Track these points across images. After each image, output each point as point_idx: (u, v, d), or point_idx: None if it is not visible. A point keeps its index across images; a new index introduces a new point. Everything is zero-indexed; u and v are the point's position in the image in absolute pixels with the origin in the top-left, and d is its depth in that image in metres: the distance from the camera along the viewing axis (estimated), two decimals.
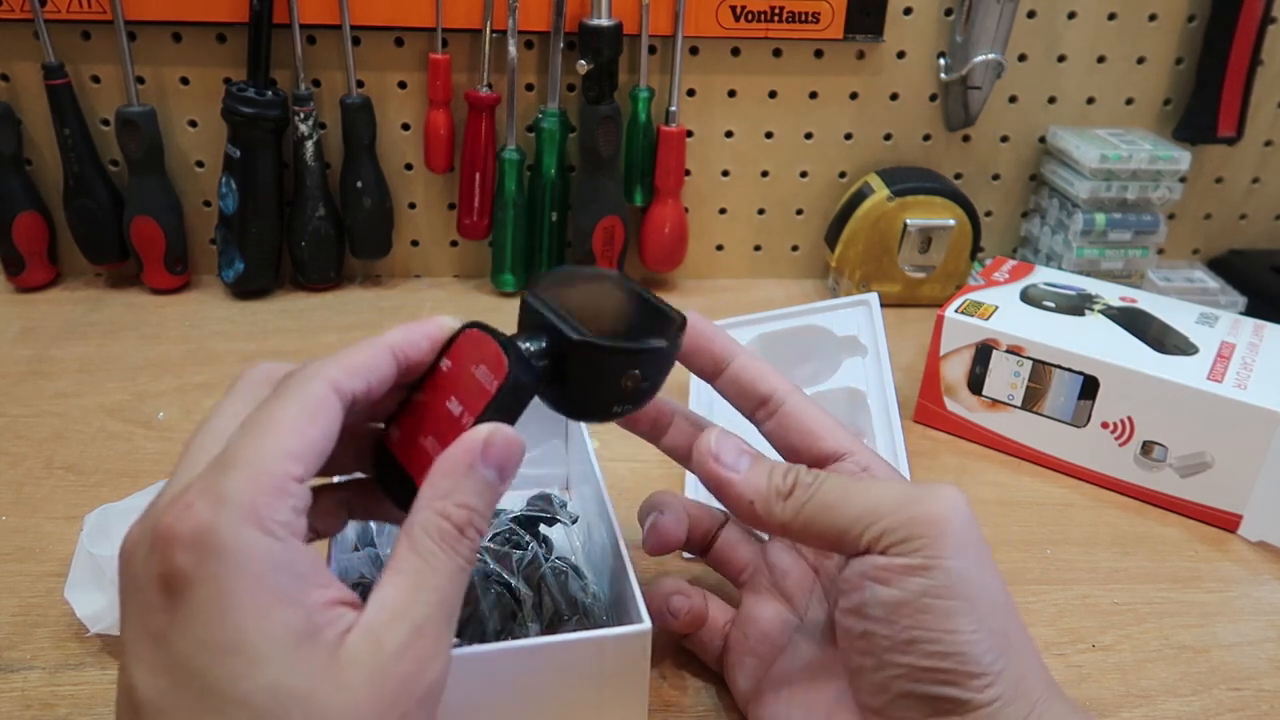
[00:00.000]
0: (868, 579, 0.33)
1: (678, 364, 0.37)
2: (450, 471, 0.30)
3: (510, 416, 0.32)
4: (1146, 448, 0.56)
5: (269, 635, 0.26)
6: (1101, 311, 0.61)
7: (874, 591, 0.32)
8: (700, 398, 0.60)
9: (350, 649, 0.27)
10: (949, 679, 0.31)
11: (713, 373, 0.40)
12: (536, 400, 0.34)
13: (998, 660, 0.31)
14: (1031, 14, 0.77)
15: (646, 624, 0.36)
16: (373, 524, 0.43)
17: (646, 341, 0.34)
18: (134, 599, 0.28)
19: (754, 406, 0.39)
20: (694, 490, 0.54)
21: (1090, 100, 0.81)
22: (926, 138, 0.81)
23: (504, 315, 0.77)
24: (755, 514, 0.36)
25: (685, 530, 0.42)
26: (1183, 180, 0.76)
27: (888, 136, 0.81)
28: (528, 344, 0.33)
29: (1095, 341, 0.57)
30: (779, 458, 0.39)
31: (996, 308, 0.61)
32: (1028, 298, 0.63)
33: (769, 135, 0.80)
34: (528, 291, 0.35)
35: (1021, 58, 0.79)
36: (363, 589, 0.40)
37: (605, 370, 0.34)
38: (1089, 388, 0.56)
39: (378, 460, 0.34)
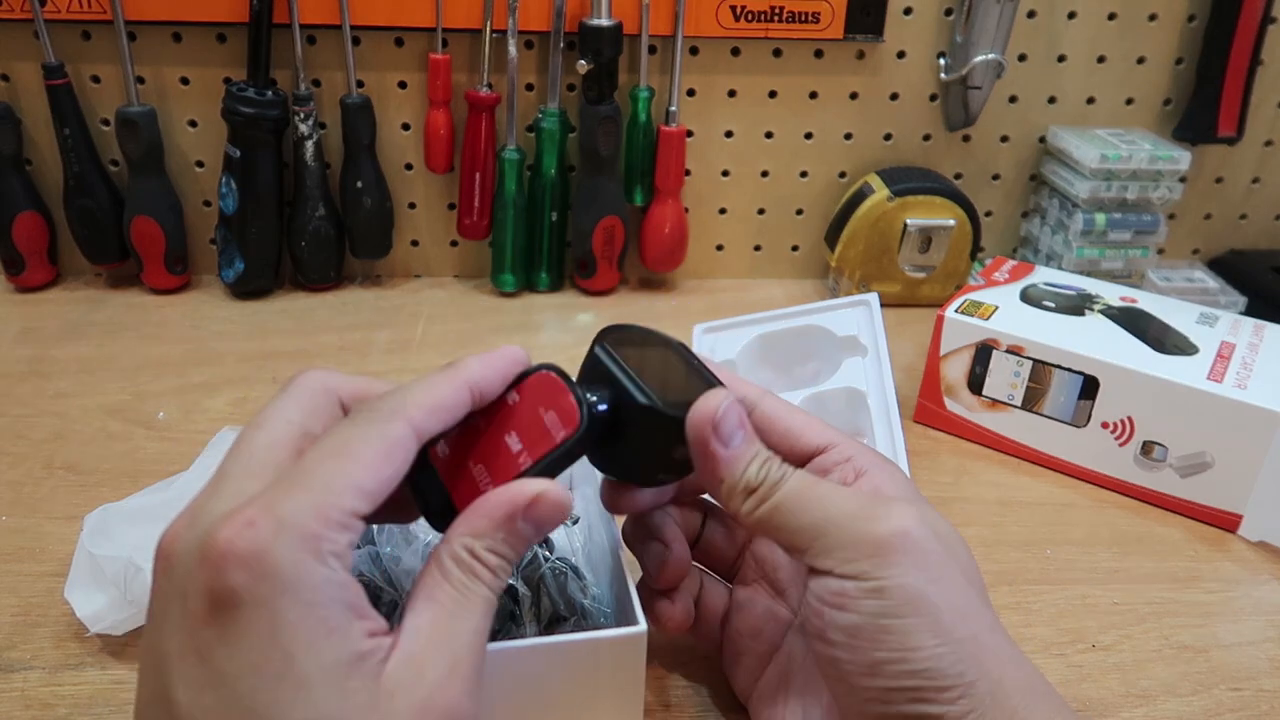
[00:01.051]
0: (825, 604, 0.32)
1: None
2: (492, 515, 0.31)
3: (563, 467, 0.33)
4: (1146, 448, 0.56)
5: (319, 665, 0.27)
6: (1101, 311, 0.61)
7: (832, 617, 0.32)
8: None
9: (392, 678, 0.28)
10: (919, 696, 0.31)
11: None
12: None
13: (967, 670, 0.31)
14: (1031, 14, 0.77)
15: (642, 626, 0.36)
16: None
17: None
18: (175, 606, 0.28)
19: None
20: None
21: (1090, 100, 0.81)
22: (926, 138, 0.81)
23: (504, 315, 0.77)
24: (720, 496, 0.35)
25: (688, 554, 0.41)
26: (1183, 180, 0.76)
27: (888, 136, 0.81)
28: (594, 397, 0.34)
29: (1095, 341, 0.57)
30: None
31: (996, 308, 0.61)
32: (1028, 298, 0.63)
33: (769, 135, 0.80)
34: (598, 344, 0.36)
35: (1021, 58, 0.79)
36: (364, 586, 0.40)
37: (662, 438, 0.35)
38: (1089, 388, 0.56)
39: (417, 464, 0.34)
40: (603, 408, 0.34)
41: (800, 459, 0.37)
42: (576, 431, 0.32)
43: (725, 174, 0.81)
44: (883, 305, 0.61)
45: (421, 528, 0.44)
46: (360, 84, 0.74)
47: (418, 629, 0.29)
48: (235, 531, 0.27)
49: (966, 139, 0.82)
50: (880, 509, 0.33)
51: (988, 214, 0.85)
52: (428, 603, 0.30)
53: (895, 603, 0.31)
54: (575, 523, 0.46)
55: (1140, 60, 0.80)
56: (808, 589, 0.33)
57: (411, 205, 0.80)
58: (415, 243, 0.82)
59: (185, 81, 0.74)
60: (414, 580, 0.31)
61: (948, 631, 0.31)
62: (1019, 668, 0.32)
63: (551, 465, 0.33)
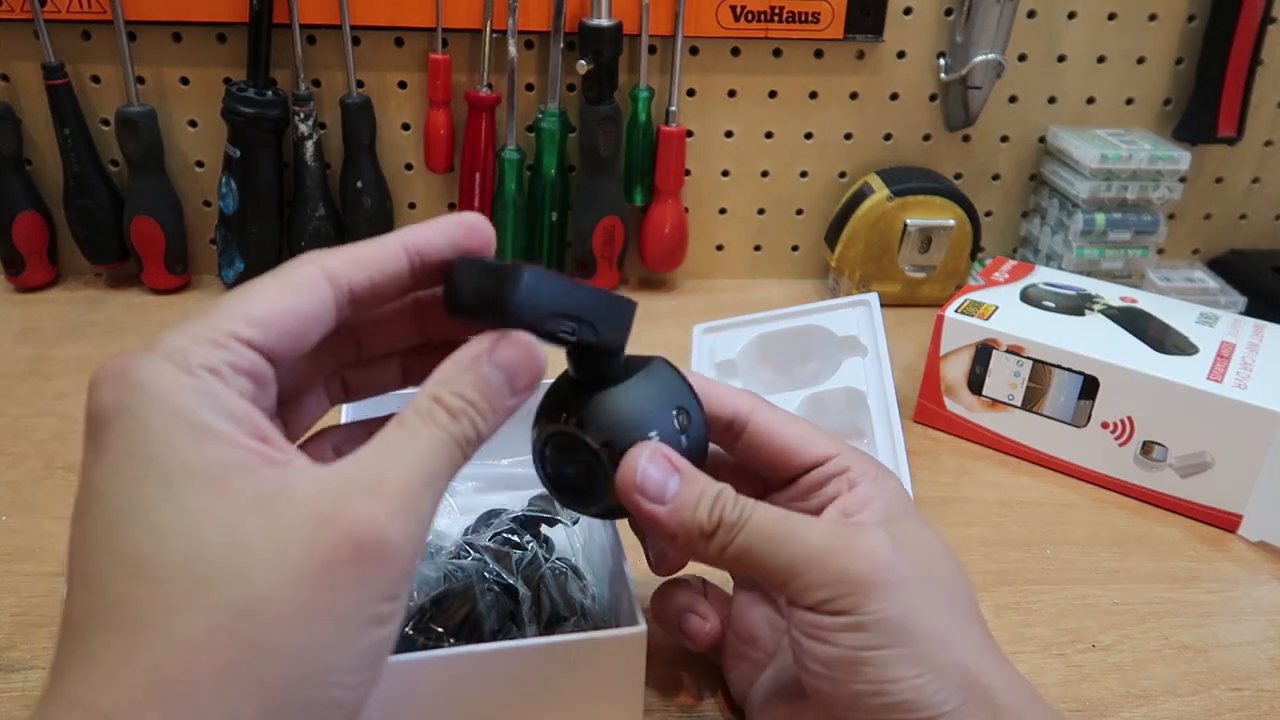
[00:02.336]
0: (804, 636, 0.32)
1: None
2: (455, 363, 0.29)
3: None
4: (1146, 448, 0.56)
5: (184, 464, 0.25)
6: (1101, 311, 0.61)
7: (811, 648, 0.32)
8: None
9: (292, 487, 0.25)
10: None
11: None
12: None
13: (950, 698, 0.30)
14: (1031, 14, 0.77)
15: (642, 626, 0.36)
16: None
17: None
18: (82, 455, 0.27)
19: (719, 433, 0.37)
20: None
21: (1090, 100, 0.81)
22: (926, 138, 0.81)
23: None
24: (679, 548, 0.33)
25: (718, 620, 0.40)
26: (1183, 180, 0.76)
27: (888, 136, 0.81)
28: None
29: (1095, 341, 0.57)
30: None
31: (996, 308, 0.61)
32: (1028, 298, 0.63)
33: (769, 135, 0.80)
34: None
35: (1021, 58, 0.79)
36: None
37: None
38: (1089, 388, 0.56)
39: (467, 265, 0.32)
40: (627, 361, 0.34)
41: (797, 472, 0.37)
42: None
43: (725, 174, 0.81)
44: (883, 305, 0.61)
45: None
46: (360, 84, 0.74)
47: (345, 459, 0.27)
48: (110, 359, 0.27)
49: (966, 139, 0.82)
50: (853, 540, 0.32)
51: (988, 214, 0.85)
52: (373, 440, 0.27)
53: (873, 635, 0.30)
54: (575, 523, 0.46)
55: (1140, 60, 0.80)
56: (788, 618, 0.33)
57: (411, 205, 0.80)
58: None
59: (185, 81, 0.74)
60: None
61: (928, 660, 0.30)
62: (1012, 689, 0.31)
63: (578, 295, 0.31)
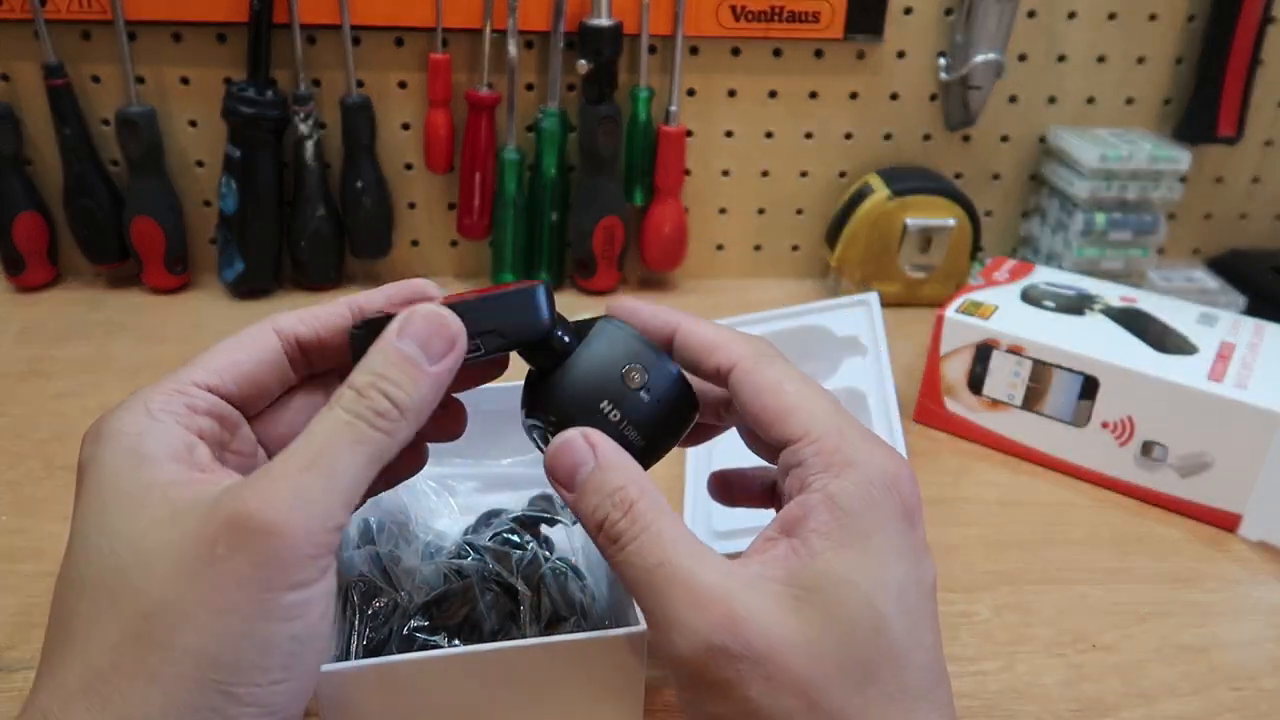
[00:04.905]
0: (679, 701, 0.31)
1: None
2: (378, 346, 0.30)
3: (489, 328, 0.32)
4: (1147, 448, 0.56)
5: (118, 490, 0.28)
6: (1101, 311, 0.61)
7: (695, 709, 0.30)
8: (698, 452, 0.57)
9: (202, 497, 0.28)
10: None
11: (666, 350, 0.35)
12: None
13: None
14: (1031, 14, 0.77)
15: (643, 626, 0.36)
16: (373, 522, 0.43)
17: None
18: None
19: (714, 380, 0.34)
20: (693, 492, 0.54)
21: (1090, 100, 0.81)
22: (926, 138, 0.81)
23: None
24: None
25: None
26: (1183, 180, 0.76)
27: (888, 136, 0.81)
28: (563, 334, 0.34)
29: (1095, 341, 0.57)
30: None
31: (996, 307, 0.61)
32: (1028, 297, 0.63)
33: (769, 135, 0.80)
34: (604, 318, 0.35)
35: (1021, 58, 0.79)
36: (363, 585, 0.40)
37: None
38: (1089, 388, 0.56)
39: (363, 326, 0.34)
40: (565, 338, 0.33)
41: (775, 446, 0.33)
42: (528, 313, 0.32)
43: (725, 174, 0.81)
44: (883, 305, 0.61)
45: (421, 527, 0.44)
46: (360, 84, 0.74)
47: (272, 460, 0.28)
48: (96, 418, 0.31)
49: (966, 139, 0.82)
50: (717, 603, 0.28)
51: (988, 214, 0.84)
52: (299, 438, 0.28)
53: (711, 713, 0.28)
54: (576, 522, 0.46)
55: (1140, 60, 0.80)
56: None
57: (411, 205, 0.80)
58: (415, 243, 0.82)
59: (185, 81, 0.74)
60: None
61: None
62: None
63: (475, 309, 0.31)
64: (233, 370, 0.32)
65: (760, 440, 0.34)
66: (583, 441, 0.32)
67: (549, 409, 0.34)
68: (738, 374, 0.33)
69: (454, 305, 0.31)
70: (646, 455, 0.34)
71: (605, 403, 0.33)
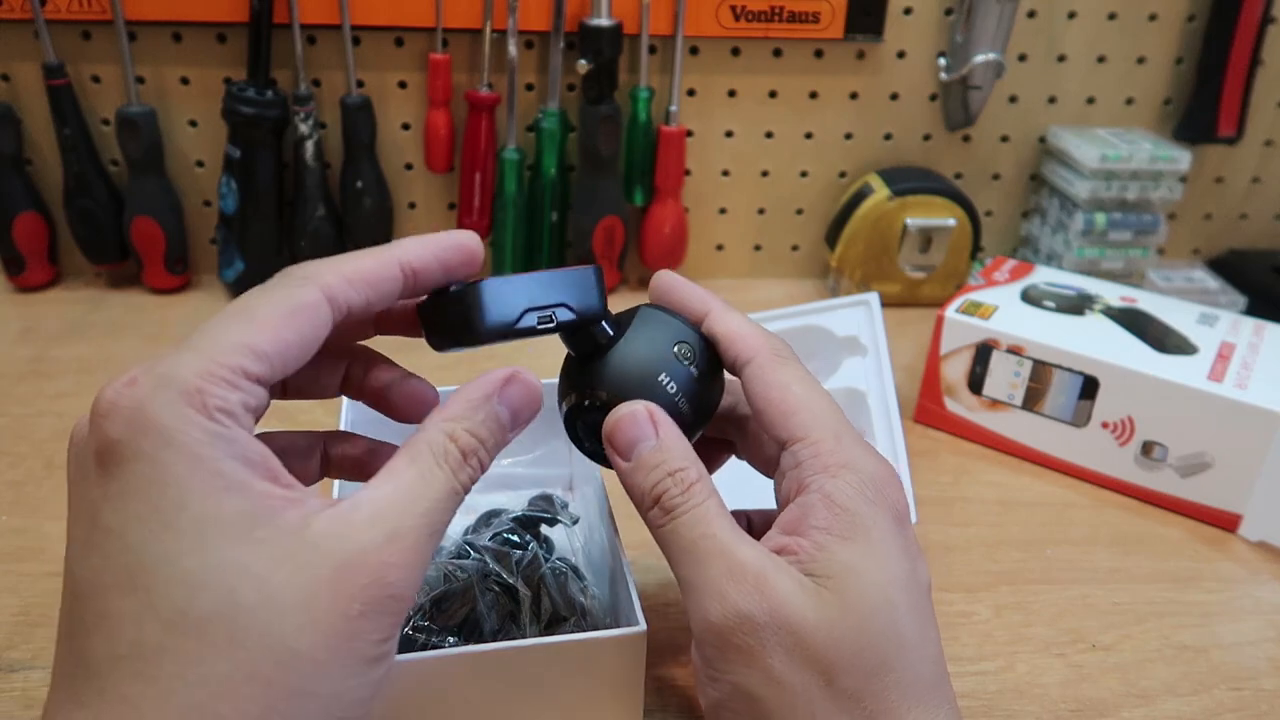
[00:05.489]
0: (697, 674, 0.32)
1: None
2: (467, 401, 0.30)
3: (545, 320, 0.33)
4: (1146, 448, 0.56)
5: (215, 514, 0.25)
6: (1101, 311, 0.61)
7: (701, 689, 0.32)
8: None
9: (316, 532, 0.26)
10: None
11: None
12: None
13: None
14: (1031, 14, 0.77)
15: (642, 626, 0.36)
16: None
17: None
18: (76, 480, 0.27)
19: (732, 370, 0.36)
20: None
21: (1090, 100, 0.81)
22: (926, 138, 0.81)
23: None
24: (633, 502, 0.34)
25: None
26: (1183, 180, 0.76)
27: (888, 136, 0.81)
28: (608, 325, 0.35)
29: (1095, 341, 0.57)
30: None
31: (996, 308, 0.61)
32: (1028, 298, 0.63)
33: (769, 135, 0.80)
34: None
35: (1021, 58, 0.79)
36: None
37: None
38: (1089, 388, 0.56)
39: (433, 300, 0.34)
40: (613, 320, 0.35)
41: (777, 444, 0.35)
42: (580, 307, 0.34)
43: (725, 174, 0.81)
44: (883, 305, 0.61)
45: None
46: (360, 84, 0.74)
47: (364, 498, 0.28)
48: (115, 390, 0.27)
49: (966, 139, 0.82)
50: (752, 575, 0.30)
51: (988, 214, 0.84)
52: (386, 478, 0.28)
53: (729, 698, 0.31)
54: (575, 523, 0.46)
55: (1140, 60, 0.80)
56: (692, 653, 0.33)
57: (411, 205, 0.80)
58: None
59: (185, 81, 0.74)
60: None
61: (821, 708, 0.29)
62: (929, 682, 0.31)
63: (544, 283, 0.33)
64: (282, 357, 0.28)
65: (757, 451, 0.37)
66: (646, 416, 0.33)
67: (603, 384, 0.35)
68: (752, 368, 0.35)
69: (521, 279, 0.32)
70: (692, 429, 0.36)
71: (663, 375, 0.35)
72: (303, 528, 0.26)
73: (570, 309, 0.33)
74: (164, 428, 0.26)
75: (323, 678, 0.26)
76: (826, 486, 0.32)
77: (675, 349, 0.36)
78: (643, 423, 0.33)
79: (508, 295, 0.32)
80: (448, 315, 0.33)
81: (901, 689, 0.30)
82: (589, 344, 0.35)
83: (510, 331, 0.32)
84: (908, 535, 0.33)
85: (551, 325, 0.33)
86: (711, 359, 0.36)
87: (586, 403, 0.35)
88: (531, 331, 0.32)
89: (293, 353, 0.28)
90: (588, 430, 0.36)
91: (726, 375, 0.37)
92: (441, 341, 0.34)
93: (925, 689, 0.31)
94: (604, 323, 0.35)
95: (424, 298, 0.34)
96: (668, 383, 0.35)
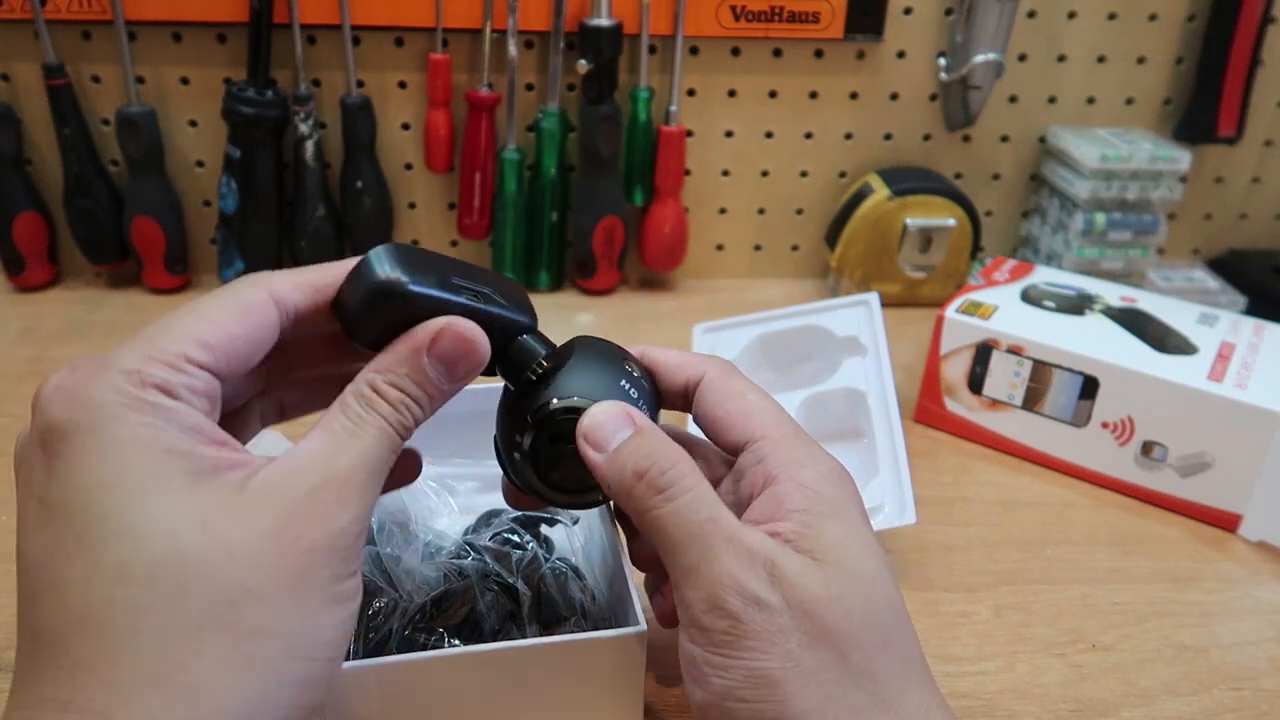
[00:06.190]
0: (685, 671, 0.32)
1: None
2: (394, 352, 0.31)
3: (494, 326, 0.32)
4: (1147, 448, 0.56)
5: (156, 474, 0.26)
6: (1102, 311, 0.61)
7: (689, 689, 0.32)
8: None
9: (257, 486, 0.27)
10: None
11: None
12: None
13: None
14: (1031, 14, 0.77)
15: (643, 626, 0.36)
16: (373, 522, 0.43)
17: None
18: (22, 471, 0.28)
19: (678, 402, 0.38)
20: None
21: (1090, 100, 0.81)
22: (926, 138, 0.81)
23: None
24: (619, 502, 0.33)
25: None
26: (1183, 180, 0.76)
27: (888, 136, 0.81)
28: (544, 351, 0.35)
29: (1095, 341, 0.57)
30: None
31: (996, 308, 0.61)
32: (1028, 298, 0.63)
33: (769, 135, 0.80)
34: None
35: (1021, 58, 0.79)
36: (364, 586, 0.40)
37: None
38: (1089, 388, 0.56)
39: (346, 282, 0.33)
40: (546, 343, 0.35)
41: (731, 452, 0.36)
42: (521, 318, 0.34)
43: (725, 174, 0.81)
44: (883, 305, 0.61)
45: (421, 527, 0.44)
46: (360, 84, 0.74)
47: (298, 451, 0.29)
48: (58, 376, 0.28)
49: (966, 139, 0.82)
50: (762, 558, 0.30)
51: (988, 214, 0.85)
52: (318, 430, 0.29)
53: (738, 685, 0.30)
54: (575, 523, 0.46)
55: (1140, 60, 0.80)
56: (680, 648, 0.32)
57: (411, 205, 0.80)
58: (415, 243, 0.82)
59: (185, 81, 0.74)
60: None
61: (820, 685, 0.29)
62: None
63: (480, 312, 0.32)
64: (227, 347, 0.29)
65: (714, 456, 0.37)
66: (624, 410, 0.34)
67: (566, 392, 0.34)
68: (706, 383, 0.36)
69: (424, 251, 0.32)
70: None
71: (624, 382, 0.35)
72: (244, 482, 0.27)
73: (493, 296, 0.33)
74: (104, 402, 0.27)
75: (281, 616, 0.26)
76: (798, 475, 0.33)
77: (626, 365, 0.36)
78: (621, 416, 0.33)
79: (418, 257, 0.32)
80: (358, 290, 0.31)
81: (903, 664, 0.31)
82: (530, 374, 0.34)
83: (437, 298, 0.31)
84: (870, 527, 0.34)
85: (478, 304, 0.32)
86: (651, 388, 0.37)
87: (557, 415, 0.34)
88: (459, 307, 0.31)
89: (239, 347, 0.29)
90: (550, 458, 0.35)
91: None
92: (361, 331, 0.31)
93: (920, 666, 0.32)
94: (534, 338, 0.34)
95: (336, 293, 0.32)
96: (629, 388, 0.35)
